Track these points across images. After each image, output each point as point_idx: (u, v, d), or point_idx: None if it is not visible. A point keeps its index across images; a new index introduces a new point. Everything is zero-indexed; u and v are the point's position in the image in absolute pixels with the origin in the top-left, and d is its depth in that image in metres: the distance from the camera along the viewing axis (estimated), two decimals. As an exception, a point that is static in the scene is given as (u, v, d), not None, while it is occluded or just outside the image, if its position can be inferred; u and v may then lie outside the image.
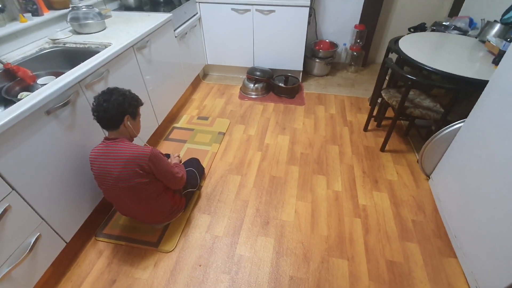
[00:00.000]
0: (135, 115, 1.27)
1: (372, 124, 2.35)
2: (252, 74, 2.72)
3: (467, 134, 1.45)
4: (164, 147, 2.11)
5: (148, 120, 1.94)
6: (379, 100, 2.53)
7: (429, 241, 1.51)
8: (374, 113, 2.22)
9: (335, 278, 1.35)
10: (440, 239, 1.52)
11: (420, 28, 2.68)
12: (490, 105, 1.29)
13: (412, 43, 1.98)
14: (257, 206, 1.69)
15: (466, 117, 1.48)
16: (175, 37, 2.22)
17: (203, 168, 1.83)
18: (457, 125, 1.55)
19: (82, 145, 1.35)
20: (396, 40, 2.12)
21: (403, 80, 1.73)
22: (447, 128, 1.58)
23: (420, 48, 1.89)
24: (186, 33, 2.40)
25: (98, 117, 1.18)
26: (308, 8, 2.44)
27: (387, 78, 2.44)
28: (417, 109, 1.80)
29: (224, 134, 2.24)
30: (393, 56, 2.19)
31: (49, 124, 1.14)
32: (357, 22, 2.97)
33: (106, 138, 1.22)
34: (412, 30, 2.72)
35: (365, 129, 2.29)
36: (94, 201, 1.47)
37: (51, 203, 1.20)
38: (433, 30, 2.41)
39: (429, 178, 1.82)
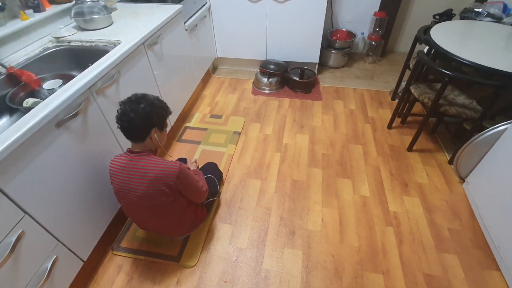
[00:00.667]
0: (163, 127, 1.15)
1: (396, 120, 2.21)
2: (266, 68, 2.57)
3: (515, 137, 1.32)
4: (178, 150, 2.00)
5: (161, 122, 1.82)
6: (400, 93, 2.39)
7: (468, 251, 1.41)
8: (401, 109, 2.08)
9: (370, 295, 1.26)
10: (480, 249, 1.42)
11: (446, 15, 2.48)
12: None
13: (445, 33, 1.81)
14: (281, 214, 1.59)
15: (506, 113, 1.34)
16: (186, 30, 2.06)
17: (221, 173, 1.72)
18: (502, 126, 1.41)
19: (96, 156, 1.24)
20: (426, 30, 1.96)
21: (439, 76, 1.58)
22: (490, 130, 1.45)
23: (455, 39, 1.73)
24: (196, 25, 2.24)
25: (123, 127, 1.06)
26: (327, -5, 2.26)
27: (409, 70, 2.28)
28: (453, 107, 1.66)
29: (239, 133, 2.12)
30: (418, 48, 2.03)
31: (59, 138, 1.02)
32: (377, 9, 2.77)
33: (129, 151, 1.11)
34: (437, 17, 2.52)
35: (389, 126, 2.15)
36: (110, 214, 1.38)
37: (66, 222, 1.10)
38: (463, 18, 2.22)
39: (464, 181, 1.70)
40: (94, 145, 1.22)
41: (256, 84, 2.65)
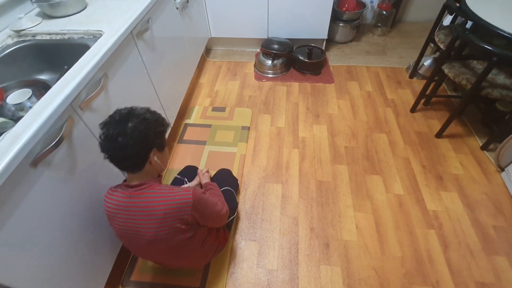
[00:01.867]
0: (163, 146, 0.89)
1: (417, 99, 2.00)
2: (269, 48, 2.26)
3: None
4: (181, 153, 1.74)
5: (160, 125, 1.54)
6: (420, 71, 2.17)
7: (519, 252, 1.29)
8: (428, 91, 1.86)
9: (424, 314, 1.13)
10: (531, 248, 1.30)
11: None
12: None
13: (485, 1, 1.56)
14: (310, 223, 1.41)
15: None
16: (177, 8, 1.71)
17: (237, 180, 1.49)
18: None
19: (90, 189, 0.98)
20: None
21: (483, 55, 1.36)
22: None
23: (499, 9, 1.48)
24: (187, 1, 1.87)
25: (112, 157, 0.80)
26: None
27: (432, 44, 2.04)
28: (495, 90, 1.46)
29: (248, 128, 1.87)
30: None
31: (39, 180, 0.76)
32: (389, -28, 2.44)
33: (126, 185, 0.86)
34: None
35: (413, 110, 1.95)
36: (114, 250, 1.15)
37: (64, 280, 0.87)
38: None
39: (503, 170, 1.55)
40: (86, 178, 0.95)
41: (259, 67, 2.35)
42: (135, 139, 0.78)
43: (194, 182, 1.36)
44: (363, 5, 2.52)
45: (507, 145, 1.43)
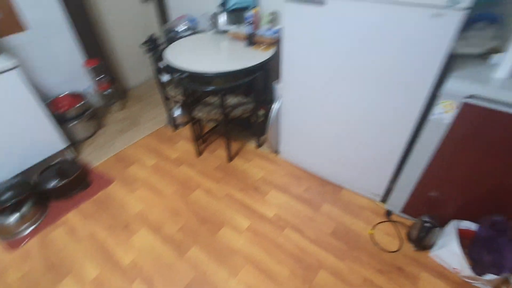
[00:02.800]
0: None
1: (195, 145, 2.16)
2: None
3: (286, 104, 1.66)
4: None
5: None
6: (178, 122, 2.34)
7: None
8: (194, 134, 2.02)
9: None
10: (331, 187, 1.78)
11: (151, 40, 2.57)
12: (294, 67, 1.51)
13: (182, 56, 1.84)
14: None
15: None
16: None
17: None
18: (277, 104, 1.72)
19: None
20: (158, 59, 1.91)
21: (214, 93, 1.63)
22: (272, 110, 1.72)
23: (192, 59, 1.80)
24: None
25: None
26: None
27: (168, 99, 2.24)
28: (236, 110, 1.81)
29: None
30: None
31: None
32: (84, 59, 2.37)
33: None
34: (146, 44, 2.56)
35: (199, 153, 2.07)
36: None
37: None
38: (169, 39, 2.38)
39: (279, 153, 2.01)
40: None
41: (3, 233, 1.58)
42: None
43: None
44: (82, 96, 2.32)
45: (269, 136, 1.84)
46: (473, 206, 1.30)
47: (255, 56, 1.75)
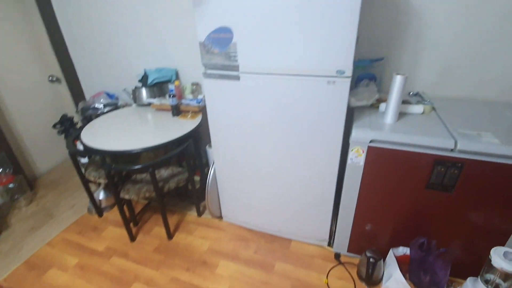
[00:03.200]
0: None
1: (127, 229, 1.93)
2: None
3: (219, 167, 1.67)
4: None
5: None
6: (104, 205, 2.10)
7: (279, 251, 1.70)
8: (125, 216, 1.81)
9: None
10: (279, 242, 1.76)
11: (65, 120, 2.38)
12: (221, 133, 1.55)
13: (98, 138, 1.73)
14: None
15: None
16: None
17: None
18: (212, 168, 1.72)
19: None
20: (73, 142, 1.75)
21: (142, 171, 1.53)
22: (208, 175, 1.71)
23: (114, 136, 1.71)
24: None
25: None
26: None
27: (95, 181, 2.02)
28: (170, 182, 1.73)
29: None
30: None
31: None
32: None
33: None
34: (58, 126, 2.35)
35: (133, 238, 1.84)
36: None
37: None
38: (85, 118, 2.24)
39: (221, 217, 1.94)
40: None
41: None
42: None
43: None
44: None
45: (208, 203, 1.78)
46: (402, 232, 1.45)
47: (183, 126, 1.76)
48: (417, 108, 1.39)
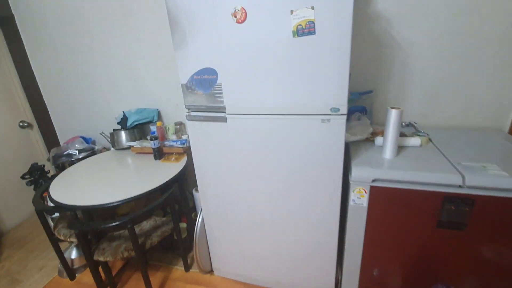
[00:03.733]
0: None
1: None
2: None
3: (208, 215, 1.51)
4: None
5: None
6: (77, 266, 1.85)
7: None
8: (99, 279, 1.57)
9: None
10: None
11: (34, 170, 2.17)
12: (209, 179, 1.41)
13: (68, 190, 1.54)
14: None
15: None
16: None
17: None
18: (199, 216, 1.55)
19: None
20: (41, 196, 1.55)
21: (121, 228, 1.35)
22: (196, 223, 1.53)
23: (88, 188, 1.53)
24: None
25: None
26: None
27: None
28: (151, 237, 1.53)
29: None
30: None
31: None
32: None
33: None
34: (27, 176, 2.14)
35: (111, 304, 1.59)
36: None
37: None
38: (57, 166, 2.05)
39: (212, 271, 1.73)
40: None
41: None
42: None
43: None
44: None
45: (196, 254, 1.58)
46: (414, 275, 1.31)
47: (167, 170, 1.62)
48: (415, 141, 1.33)
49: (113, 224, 1.31)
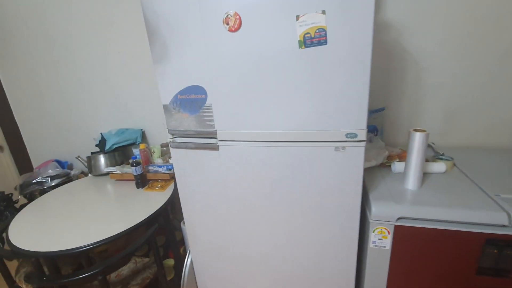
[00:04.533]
0: None
1: None
2: None
3: (198, 257, 1.28)
4: None
5: None
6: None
7: None
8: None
9: None
10: None
11: (1, 200, 1.91)
12: (198, 216, 1.19)
13: (31, 230, 1.30)
14: None
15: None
16: None
17: None
18: (188, 258, 1.31)
19: None
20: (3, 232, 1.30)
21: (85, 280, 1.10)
22: (184, 266, 1.29)
23: (55, 228, 1.29)
24: None
25: None
26: None
27: None
28: (132, 283, 1.29)
29: None
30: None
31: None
32: None
33: None
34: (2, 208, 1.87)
35: None
36: None
37: None
38: (26, 196, 1.80)
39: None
40: None
41: None
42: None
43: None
44: None
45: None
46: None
47: (150, 200, 1.40)
48: (439, 167, 1.14)
49: (80, 276, 1.07)
